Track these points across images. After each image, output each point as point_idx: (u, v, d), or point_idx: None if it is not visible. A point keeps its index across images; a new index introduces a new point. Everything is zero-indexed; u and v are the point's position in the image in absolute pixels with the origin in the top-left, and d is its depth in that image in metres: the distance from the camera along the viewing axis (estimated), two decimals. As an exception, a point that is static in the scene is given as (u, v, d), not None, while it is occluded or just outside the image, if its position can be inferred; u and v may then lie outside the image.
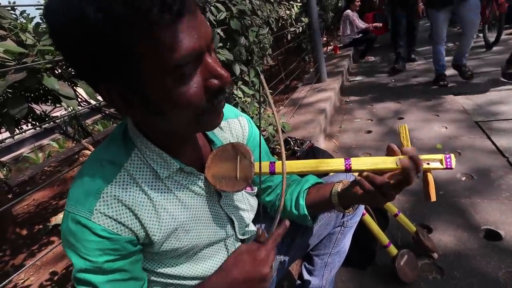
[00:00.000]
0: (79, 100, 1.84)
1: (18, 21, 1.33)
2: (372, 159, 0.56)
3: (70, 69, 1.66)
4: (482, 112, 2.30)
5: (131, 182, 0.52)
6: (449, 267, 1.14)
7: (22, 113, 0.60)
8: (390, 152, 0.56)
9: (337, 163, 0.57)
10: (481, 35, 4.45)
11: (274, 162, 0.60)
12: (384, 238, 1.10)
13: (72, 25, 0.38)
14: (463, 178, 1.63)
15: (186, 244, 0.58)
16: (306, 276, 0.94)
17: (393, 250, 1.11)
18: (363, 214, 1.07)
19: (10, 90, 0.64)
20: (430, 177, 0.57)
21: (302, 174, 0.75)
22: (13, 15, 1.07)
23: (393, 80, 3.69)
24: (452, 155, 0.55)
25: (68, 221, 0.49)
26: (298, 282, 0.98)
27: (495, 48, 3.90)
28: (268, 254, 0.53)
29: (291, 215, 0.76)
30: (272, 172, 0.60)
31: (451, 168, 0.55)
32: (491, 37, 3.98)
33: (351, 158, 0.57)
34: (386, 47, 5.82)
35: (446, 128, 2.20)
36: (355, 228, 0.93)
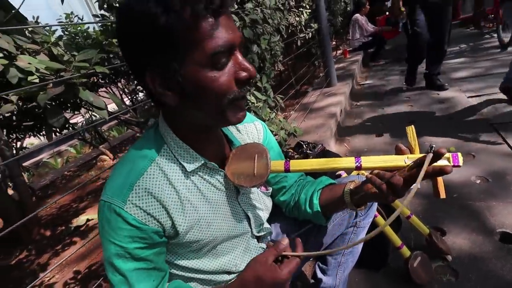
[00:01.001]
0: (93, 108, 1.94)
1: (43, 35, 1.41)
2: (381, 157, 0.59)
3: (92, 79, 1.75)
4: (498, 114, 2.28)
5: (160, 174, 0.57)
6: (464, 270, 1.15)
7: (60, 122, 0.67)
8: (398, 152, 0.59)
9: (348, 161, 0.61)
10: (495, 35, 4.39)
11: (289, 161, 0.64)
12: (397, 239, 1.12)
13: (137, 18, 0.48)
14: (478, 181, 1.62)
15: (207, 236, 0.63)
16: (319, 275, 0.97)
17: (406, 251, 1.12)
18: (376, 216, 1.10)
19: (48, 102, 0.70)
20: (438, 179, 0.59)
21: (315, 174, 0.79)
22: (43, 30, 1.15)
23: (404, 83, 3.67)
24: (459, 153, 0.57)
25: (104, 210, 0.55)
26: (312, 281, 1.01)
27: (510, 49, 3.84)
28: (286, 277, 0.58)
29: (306, 214, 0.79)
30: (287, 170, 0.64)
31: (458, 166, 0.56)
32: (506, 37, 3.91)
33: (361, 157, 0.60)
34: (396, 50, 5.79)
35: (460, 131, 2.19)
36: (367, 229, 0.95)
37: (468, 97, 2.73)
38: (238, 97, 0.53)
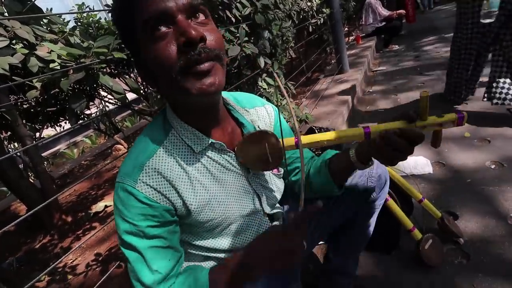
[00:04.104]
0: (109, 98, 1.99)
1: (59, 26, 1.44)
2: (387, 124, 0.62)
3: (106, 69, 1.79)
4: (515, 98, 2.21)
5: (169, 157, 0.60)
6: (476, 252, 1.15)
7: (82, 107, 0.70)
8: (406, 117, 0.62)
9: (357, 131, 0.63)
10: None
11: (300, 137, 0.66)
12: (408, 222, 1.13)
13: (112, 16, 0.56)
14: (493, 166, 1.59)
15: (219, 215, 0.65)
16: (331, 255, 1.00)
17: (417, 234, 1.13)
18: (387, 199, 1.11)
19: (70, 88, 0.73)
20: (440, 133, 0.64)
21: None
22: (60, 20, 1.18)
23: (418, 69, 3.59)
24: (465, 113, 0.60)
25: (118, 190, 0.58)
26: (324, 261, 1.03)
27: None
28: (298, 229, 0.57)
29: (317, 185, 0.79)
30: (298, 146, 0.66)
31: (462, 125, 0.61)
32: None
33: (369, 125, 0.63)
34: (411, 35, 5.62)
35: (475, 116, 2.14)
36: (379, 213, 0.96)
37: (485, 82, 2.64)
38: (186, 65, 0.49)
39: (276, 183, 0.79)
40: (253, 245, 0.59)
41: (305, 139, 0.66)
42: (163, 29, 0.50)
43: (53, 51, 0.75)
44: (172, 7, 0.49)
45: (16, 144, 2.77)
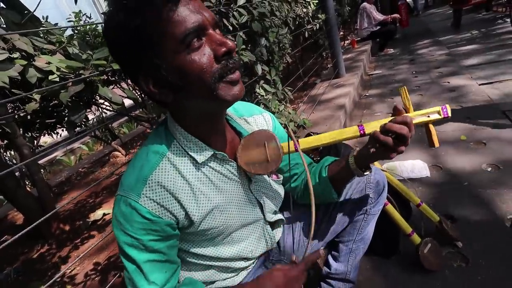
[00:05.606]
0: (106, 105, 1.99)
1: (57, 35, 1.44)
2: (382, 120, 0.65)
3: (104, 76, 1.79)
4: (510, 101, 2.24)
5: (172, 168, 0.60)
6: (474, 256, 1.16)
7: (81, 118, 0.71)
8: (396, 112, 0.65)
9: (352, 130, 0.66)
10: (508, 20, 4.28)
11: (298, 141, 0.67)
12: (407, 227, 1.14)
13: (113, 30, 0.53)
14: (489, 169, 1.61)
15: (221, 224, 0.66)
16: (331, 262, 1.00)
17: (416, 238, 1.14)
18: (386, 204, 1.11)
19: (69, 99, 0.74)
20: (431, 127, 0.67)
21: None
22: (58, 30, 1.19)
23: (414, 72, 3.62)
24: (447, 105, 0.64)
25: (120, 203, 0.58)
26: (324, 268, 1.03)
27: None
28: (299, 273, 0.61)
29: (316, 191, 0.79)
30: (297, 150, 0.67)
31: (448, 117, 0.64)
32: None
33: (363, 124, 0.66)
34: (406, 39, 5.68)
35: (470, 119, 2.16)
36: (378, 218, 0.97)
37: (480, 84, 2.68)
38: (224, 72, 0.53)
39: (276, 189, 0.80)
40: (259, 281, 0.62)
41: (303, 143, 0.67)
42: (198, 40, 0.52)
43: (51, 62, 0.75)
44: (205, 21, 0.52)
45: (12, 153, 2.76)
